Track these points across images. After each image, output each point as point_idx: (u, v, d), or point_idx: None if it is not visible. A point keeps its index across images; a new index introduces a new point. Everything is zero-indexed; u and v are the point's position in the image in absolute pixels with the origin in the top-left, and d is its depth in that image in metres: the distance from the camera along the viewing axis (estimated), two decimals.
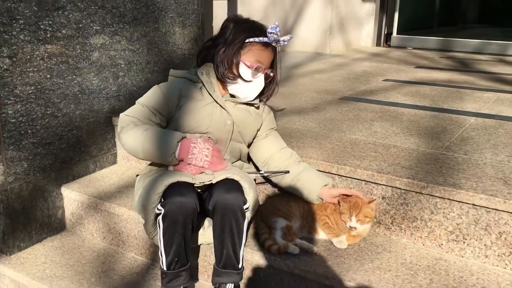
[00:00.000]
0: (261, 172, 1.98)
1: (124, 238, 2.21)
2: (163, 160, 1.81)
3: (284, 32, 5.01)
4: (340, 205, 1.84)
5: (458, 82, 3.57)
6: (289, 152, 1.99)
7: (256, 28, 1.84)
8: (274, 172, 1.96)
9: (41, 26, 2.14)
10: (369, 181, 1.90)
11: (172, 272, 1.76)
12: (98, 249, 2.26)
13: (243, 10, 5.56)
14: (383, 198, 1.90)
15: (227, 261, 1.76)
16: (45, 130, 2.23)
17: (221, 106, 1.87)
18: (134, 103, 1.90)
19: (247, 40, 1.81)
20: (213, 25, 3.46)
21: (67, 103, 2.31)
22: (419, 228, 1.84)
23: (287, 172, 1.93)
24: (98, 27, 2.39)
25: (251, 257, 1.85)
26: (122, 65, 2.55)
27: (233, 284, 1.79)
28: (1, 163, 2.09)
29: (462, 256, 1.78)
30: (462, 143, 2.20)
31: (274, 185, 2.07)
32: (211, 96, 1.87)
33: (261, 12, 5.42)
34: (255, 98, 1.93)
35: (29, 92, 2.14)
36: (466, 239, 1.76)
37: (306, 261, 1.77)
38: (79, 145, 2.42)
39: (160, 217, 1.70)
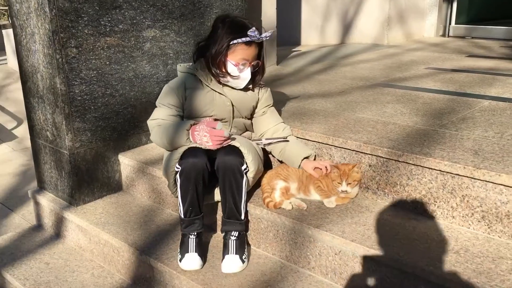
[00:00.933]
0: (262, 140, 2.34)
1: (163, 197, 2.68)
2: (183, 145, 2.19)
3: (344, 25, 5.27)
4: (331, 173, 2.14)
5: (499, 70, 3.64)
6: (282, 127, 2.36)
7: (239, 30, 2.16)
8: (274, 139, 2.31)
9: (102, 22, 2.65)
10: (358, 151, 2.19)
11: (188, 219, 2.17)
12: (144, 205, 2.74)
13: (307, 6, 5.87)
14: (369, 166, 2.17)
15: (230, 213, 2.15)
16: (105, 107, 2.75)
17: (219, 92, 2.26)
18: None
19: (231, 42, 2.16)
20: (261, 19, 3.83)
21: (123, 85, 2.81)
22: (399, 192, 2.10)
23: (286, 139, 2.28)
24: (149, 22, 2.87)
25: (254, 211, 2.22)
26: (171, 54, 3.02)
27: (237, 232, 2.17)
28: (70, 132, 2.63)
29: (434, 217, 2.02)
30: (461, 122, 2.40)
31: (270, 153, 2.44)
32: (209, 86, 2.26)
33: (323, 7, 5.70)
34: (247, 85, 2.28)
35: (92, 75, 2.66)
36: (436, 202, 1.99)
37: (296, 216, 2.10)
38: (133, 120, 2.92)
39: (177, 174, 2.13)
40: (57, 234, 2.88)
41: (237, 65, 2.19)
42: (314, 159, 2.33)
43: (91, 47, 2.62)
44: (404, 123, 2.40)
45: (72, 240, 2.77)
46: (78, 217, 2.66)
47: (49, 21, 2.45)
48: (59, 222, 2.83)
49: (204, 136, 2.11)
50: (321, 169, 2.21)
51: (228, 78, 2.23)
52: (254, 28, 2.15)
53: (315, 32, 5.89)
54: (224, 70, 2.20)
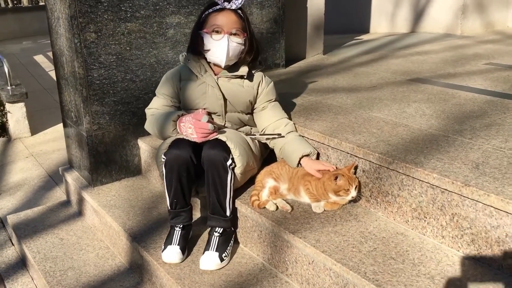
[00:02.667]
0: (255, 135, 2.23)
1: None
2: (171, 135, 2.17)
3: (415, 13, 4.90)
4: (337, 180, 1.95)
5: None
6: (284, 123, 2.22)
7: (211, 4, 2.13)
8: (268, 135, 2.21)
9: (122, 8, 2.67)
10: (352, 154, 2.01)
11: (174, 211, 2.15)
12: (155, 191, 2.77)
13: None
14: (363, 171, 1.99)
15: (214, 208, 2.09)
16: (124, 92, 2.79)
17: (212, 85, 2.18)
18: None
19: (203, 15, 2.13)
20: (307, 6, 3.66)
21: (144, 71, 2.83)
22: (390, 202, 1.91)
23: (279, 134, 2.16)
24: (174, 9, 2.85)
25: (241, 208, 2.14)
26: None
27: (221, 229, 2.10)
28: (88, 115, 2.71)
29: (424, 234, 1.80)
30: (483, 128, 2.11)
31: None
32: (201, 78, 2.19)
33: None
34: (233, 67, 2.19)
35: (111, 60, 2.70)
36: (426, 218, 1.78)
37: (277, 218, 1.99)
38: None
39: (163, 165, 2.10)
40: (80, 211, 3.01)
41: (209, 32, 2.12)
42: (318, 158, 2.19)
43: (111, 32, 2.66)
44: (416, 126, 2.17)
45: (89, 219, 2.88)
46: (92, 197, 2.75)
47: (67, 6, 2.51)
48: (80, 200, 2.95)
49: (189, 128, 2.06)
50: (328, 170, 2.05)
51: (208, 54, 2.16)
52: None
53: (385, 19, 5.56)
54: (200, 43, 2.16)
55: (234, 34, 2.12)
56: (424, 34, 4.97)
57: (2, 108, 4.85)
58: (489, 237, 1.58)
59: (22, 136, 4.93)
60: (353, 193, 1.95)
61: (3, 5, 16.19)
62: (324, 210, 2.02)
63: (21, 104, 4.86)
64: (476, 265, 1.62)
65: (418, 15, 5.20)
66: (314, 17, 3.75)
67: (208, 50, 2.15)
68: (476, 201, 1.58)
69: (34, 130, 5.03)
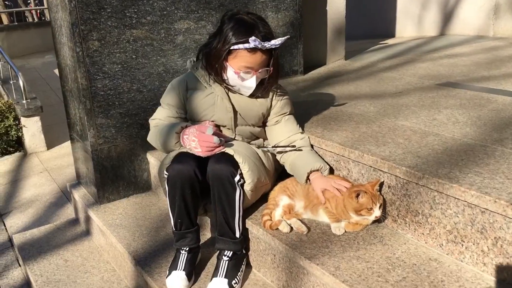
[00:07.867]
0: (268, 147, 2.02)
1: None
2: (174, 148, 1.99)
3: (444, 15, 4.63)
4: (359, 198, 1.72)
5: None
6: (299, 138, 2.02)
7: (244, 33, 1.81)
8: (282, 147, 2.00)
9: (127, 14, 2.51)
10: (376, 168, 1.78)
11: (179, 232, 1.95)
12: (164, 209, 2.57)
13: None
14: (389, 187, 1.76)
15: (222, 229, 1.88)
16: (131, 103, 2.62)
17: (221, 96, 1.97)
18: None
19: (232, 48, 1.82)
20: (327, 10, 3.45)
21: (152, 80, 2.66)
22: (421, 223, 1.67)
23: (294, 146, 1.95)
24: (182, 14, 2.67)
25: (252, 229, 1.93)
26: None
27: (231, 252, 1.89)
28: (92, 128, 2.54)
29: (461, 261, 1.55)
30: None
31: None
32: (210, 88, 1.98)
33: None
34: (253, 92, 1.94)
35: (116, 70, 2.54)
36: (464, 242, 1.53)
37: (292, 241, 1.77)
38: None
39: (165, 181, 1.91)
40: (87, 230, 2.84)
41: (238, 73, 1.87)
42: (332, 174, 1.96)
43: (115, 40, 2.50)
44: (449, 135, 1.92)
45: (96, 239, 2.71)
46: (98, 216, 2.58)
47: (68, 12, 2.36)
48: (87, 219, 2.78)
49: (192, 141, 1.86)
50: (338, 189, 1.82)
51: (230, 85, 1.94)
52: (254, 37, 1.78)
53: (411, 23, 5.29)
54: (224, 76, 1.91)
55: (262, 72, 1.91)
56: (453, 37, 4.69)
57: (17, 122, 4.76)
58: None
59: (37, 151, 4.84)
60: (376, 212, 1.71)
61: (30, 19, 16.47)
62: (345, 232, 1.78)
63: (36, 118, 4.77)
64: None
65: (447, 17, 4.93)
66: (334, 21, 3.53)
67: (233, 85, 1.94)
68: None
69: (50, 144, 4.93)
